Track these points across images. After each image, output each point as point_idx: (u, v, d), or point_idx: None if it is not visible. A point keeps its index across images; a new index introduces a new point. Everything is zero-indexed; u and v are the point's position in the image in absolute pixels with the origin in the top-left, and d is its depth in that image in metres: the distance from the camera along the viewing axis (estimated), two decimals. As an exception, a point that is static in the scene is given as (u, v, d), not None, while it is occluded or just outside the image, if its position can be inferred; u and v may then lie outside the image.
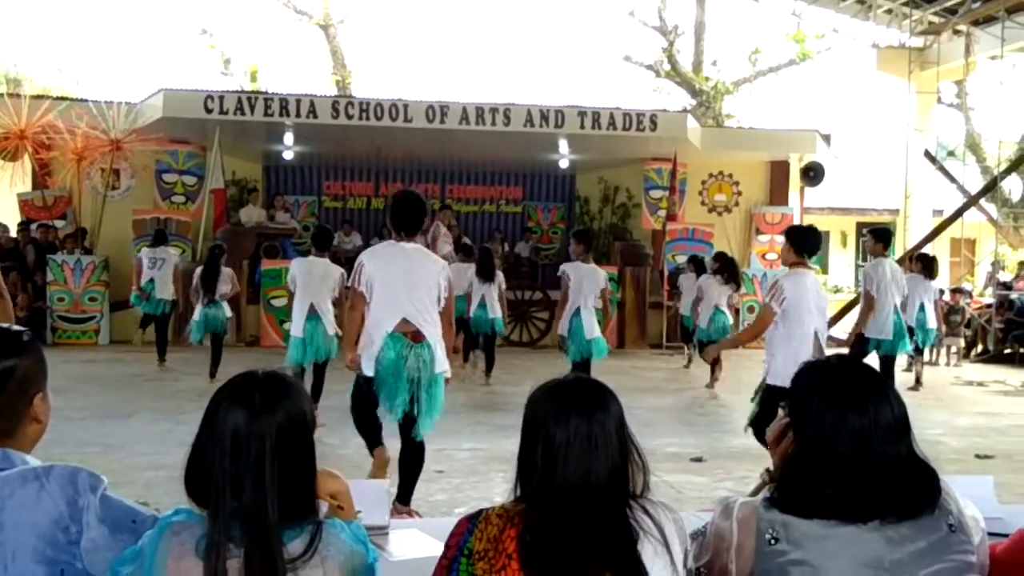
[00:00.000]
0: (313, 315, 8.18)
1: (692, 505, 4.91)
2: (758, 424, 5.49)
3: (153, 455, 6.48)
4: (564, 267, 8.64)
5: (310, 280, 8.26)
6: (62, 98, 16.26)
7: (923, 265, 11.26)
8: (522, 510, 1.79)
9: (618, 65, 36.12)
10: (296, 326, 8.26)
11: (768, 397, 5.46)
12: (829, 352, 4.33)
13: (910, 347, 9.52)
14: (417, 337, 4.98)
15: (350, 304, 5.20)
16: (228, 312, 10.36)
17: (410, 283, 5.00)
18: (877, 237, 9.14)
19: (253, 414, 1.72)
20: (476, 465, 6.66)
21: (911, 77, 19.06)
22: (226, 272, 10.37)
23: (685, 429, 8.37)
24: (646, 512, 1.80)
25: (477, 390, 10.37)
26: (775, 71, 26.38)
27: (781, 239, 17.30)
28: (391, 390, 4.94)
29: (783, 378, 5.33)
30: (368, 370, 4.99)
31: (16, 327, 2.00)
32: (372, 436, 5.31)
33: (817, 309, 5.56)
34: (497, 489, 5.86)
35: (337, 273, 8.40)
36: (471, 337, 11.45)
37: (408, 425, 5.02)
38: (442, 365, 5.06)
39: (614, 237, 17.02)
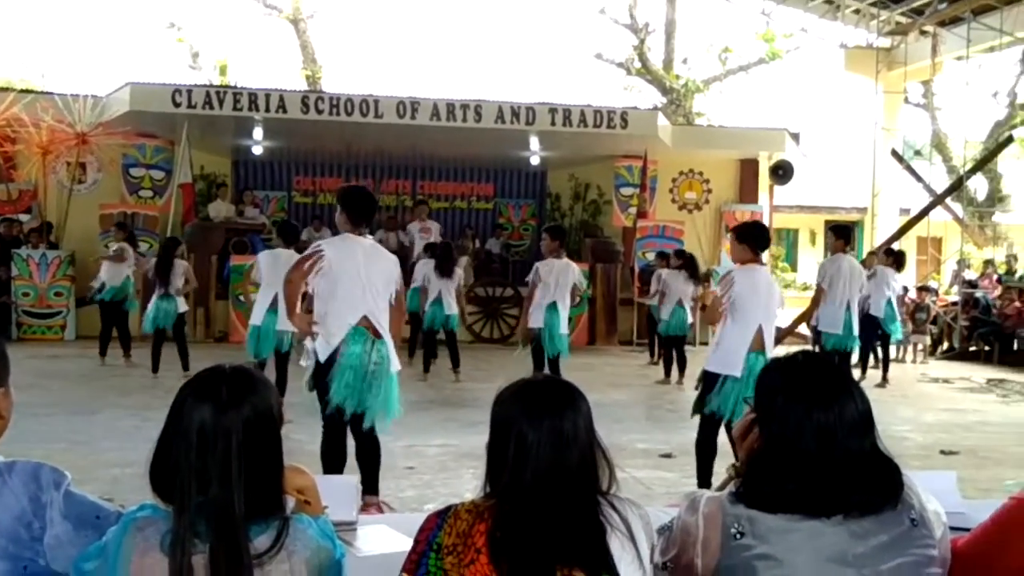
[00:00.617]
0: (274, 307, 8.22)
1: (661, 501, 4.94)
2: (699, 407, 5.61)
3: (119, 451, 6.42)
4: (537, 265, 8.68)
5: (275, 272, 8.23)
6: (27, 91, 16.04)
7: (894, 259, 11.72)
8: (492, 505, 1.80)
9: (589, 63, 36.30)
10: (256, 315, 8.35)
11: (704, 381, 5.58)
12: (779, 349, 4.39)
13: (857, 344, 9.67)
14: (376, 334, 5.01)
15: (290, 276, 5.05)
16: (182, 306, 10.31)
17: (369, 280, 5.01)
18: (837, 234, 9.31)
19: (220, 409, 1.72)
20: (446, 461, 6.65)
21: (878, 77, 19.25)
22: (180, 265, 10.33)
23: (654, 425, 8.40)
24: (613, 508, 1.82)
25: (447, 387, 10.36)
26: (745, 70, 26.56)
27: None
28: (347, 383, 4.91)
29: (716, 365, 5.52)
30: (322, 355, 4.97)
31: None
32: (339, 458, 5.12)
33: (766, 305, 5.60)
34: (467, 485, 5.86)
35: None
36: (427, 336, 11.16)
37: (357, 420, 5.00)
38: (396, 364, 5.09)
39: (585, 234, 17.05)
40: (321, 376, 5.00)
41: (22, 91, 15.69)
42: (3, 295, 13.71)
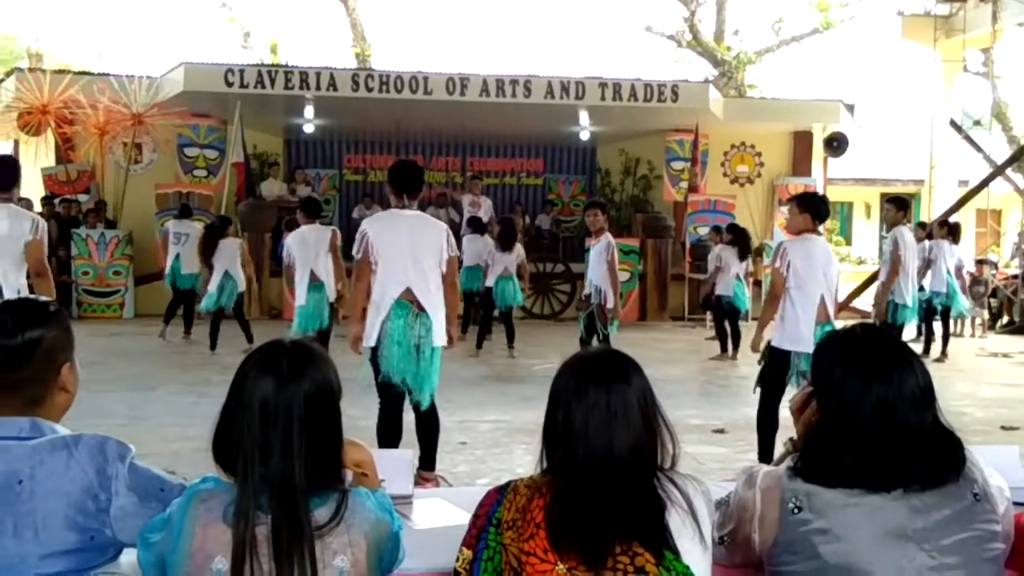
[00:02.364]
0: (315, 283, 8.33)
1: (715, 476, 4.91)
2: (764, 383, 5.54)
3: (179, 427, 6.54)
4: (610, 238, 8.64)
5: (306, 249, 8.42)
6: (84, 73, 16.31)
7: (949, 231, 11.60)
8: (549, 481, 1.80)
9: (639, 36, 35.93)
10: (300, 296, 8.43)
11: (772, 357, 5.50)
12: (840, 321, 4.32)
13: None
14: (420, 308, 4.99)
15: (356, 275, 5.09)
16: (241, 285, 10.43)
17: (413, 253, 5.00)
18: (899, 206, 9.17)
19: (281, 382, 1.74)
20: (499, 437, 6.68)
21: (936, 45, 18.79)
22: (229, 245, 10.41)
23: (707, 401, 8.36)
24: (674, 483, 1.81)
25: (499, 362, 10.39)
26: (798, 40, 26.07)
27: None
28: (396, 357, 4.95)
29: (786, 341, 5.43)
30: (370, 339, 5.00)
31: (42, 298, 2.03)
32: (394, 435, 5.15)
33: (825, 275, 5.53)
34: (519, 461, 5.89)
35: (328, 232, 8.59)
36: (488, 312, 11.26)
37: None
38: (441, 338, 5.07)
39: (635, 209, 16.95)
40: (373, 353, 5.04)
41: (78, 73, 15.95)
42: (63, 274, 14.00)
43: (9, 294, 5.12)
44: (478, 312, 11.58)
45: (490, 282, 10.88)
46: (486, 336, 11.17)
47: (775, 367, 5.47)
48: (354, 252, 5.07)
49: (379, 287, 5.00)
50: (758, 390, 5.64)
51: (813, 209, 5.62)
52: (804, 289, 5.45)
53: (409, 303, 4.99)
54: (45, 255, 5.50)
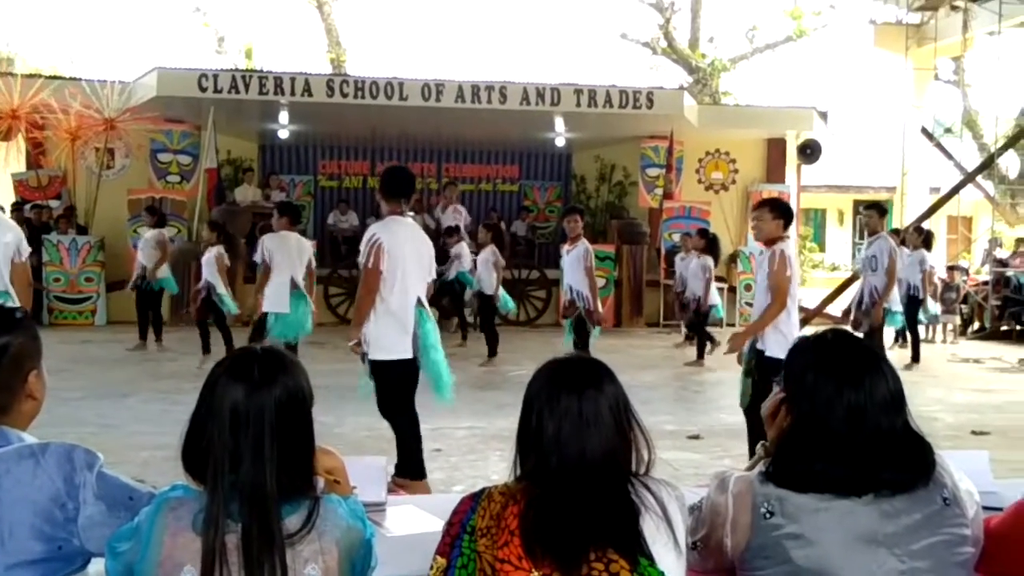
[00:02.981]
0: (296, 290, 8.29)
1: (689, 482, 4.90)
2: (758, 398, 5.49)
3: (150, 435, 6.48)
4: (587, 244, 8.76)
5: (289, 255, 8.27)
6: (55, 77, 16.15)
7: (925, 239, 11.80)
8: (524, 487, 1.79)
9: (614, 43, 36.07)
10: (280, 302, 8.25)
11: (767, 367, 5.38)
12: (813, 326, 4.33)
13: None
14: (428, 312, 5.16)
15: (367, 285, 4.99)
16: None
17: (417, 261, 5.08)
18: (881, 212, 9.25)
19: (252, 389, 1.72)
20: (474, 443, 6.67)
21: (908, 53, 19.00)
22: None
23: (682, 407, 8.39)
24: (648, 489, 1.80)
25: (474, 368, 10.38)
26: (772, 48, 26.29)
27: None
28: (441, 364, 5.01)
29: (783, 350, 5.36)
30: (405, 351, 4.97)
31: (9, 304, 2.00)
32: (419, 460, 5.17)
33: (798, 279, 5.61)
34: (494, 467, 5.87)
35: (311, 247, 8.62)
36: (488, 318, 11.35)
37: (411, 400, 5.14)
38: None
39: (611, 215, 17.00)
40: (402, 366, 4.99)
41: (50, 77, 15.81)
42: (34, 281, 13.83)
43: None
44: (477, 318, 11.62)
45: (498, 290, 11.05)
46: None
47: (771, 376, 5.39)
48: (363, 260, 4.97)
49: (398, 296, 4.98)
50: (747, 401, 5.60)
51: (788, 215, 5.63)
52: (794, 296, 5.48)
53: (422, 307, 5.07)
54: (30, 273, 5.38)
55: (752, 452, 5.46)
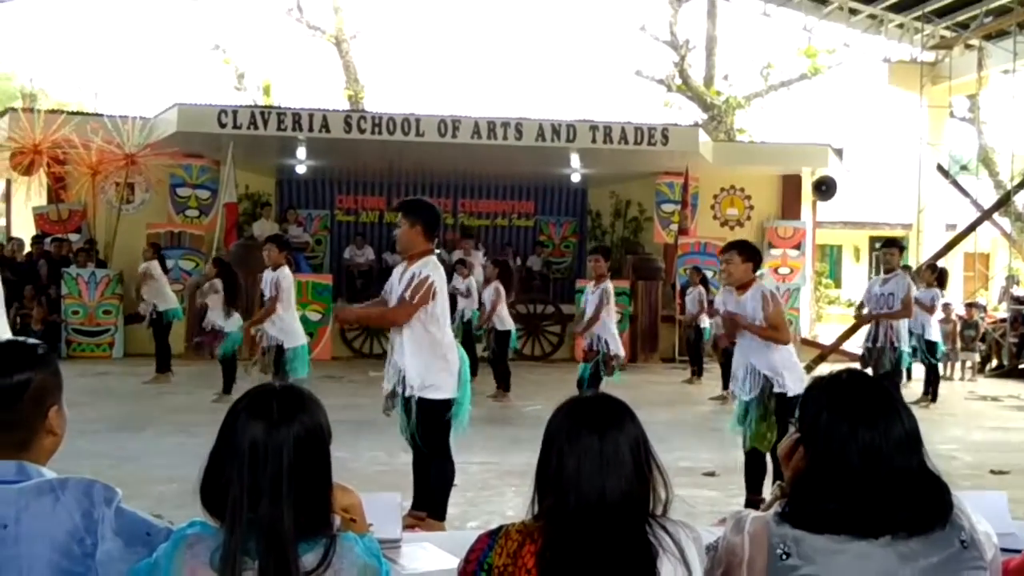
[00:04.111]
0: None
1: (705, 520, 4.89)
2: (779, 438, 5.48)
3: (166, 468, 6.48)
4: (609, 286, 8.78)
5: (292, 288, 8.56)
6: (77, 113, 16.37)
7: (939, 277, 11.75)
8: (541, 526, 1.79)
9: (629, 79, 36.25)
10: (302, 335, 8.53)
11: (788, 406, 5.32)
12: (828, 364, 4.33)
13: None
14: None
15: (400, 313, 4.94)
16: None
17: (446, 299, 5.15)
18: (901, 249, 9.31)
19: (271, 426, 1.73)
20: (488, 479, 6.65)
21: (923, 91, 19.04)
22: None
23: (698, 443, 8.34)
24: (665, 530, 1.81)
25: (489, 403, 10.36)
26: (787, 85, 26.35)
27: (794, 253, 17.31)
28: (466, 398, 5.09)
29: (800, 385, 5.35)
30: (453, 390, 5.01)
31: (31, 340, 2.02)
32: (446, 503, 5.18)
33: None
34: (510, 503, 5.85)
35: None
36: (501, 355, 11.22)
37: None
38: None
39: (626, 251, 17.01)
40: (444, 406, 5.00)
41: (72, 113, 16.01)
42: (53, 313, 13.95)
43: None
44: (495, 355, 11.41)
45: (510, 326, 11.01)
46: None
47: (789, 415, 5.37)
48: (411, 296, 4.89)
49: (447, 338, 5.04)
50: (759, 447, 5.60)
51: (756, 257, 5.66)
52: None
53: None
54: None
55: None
